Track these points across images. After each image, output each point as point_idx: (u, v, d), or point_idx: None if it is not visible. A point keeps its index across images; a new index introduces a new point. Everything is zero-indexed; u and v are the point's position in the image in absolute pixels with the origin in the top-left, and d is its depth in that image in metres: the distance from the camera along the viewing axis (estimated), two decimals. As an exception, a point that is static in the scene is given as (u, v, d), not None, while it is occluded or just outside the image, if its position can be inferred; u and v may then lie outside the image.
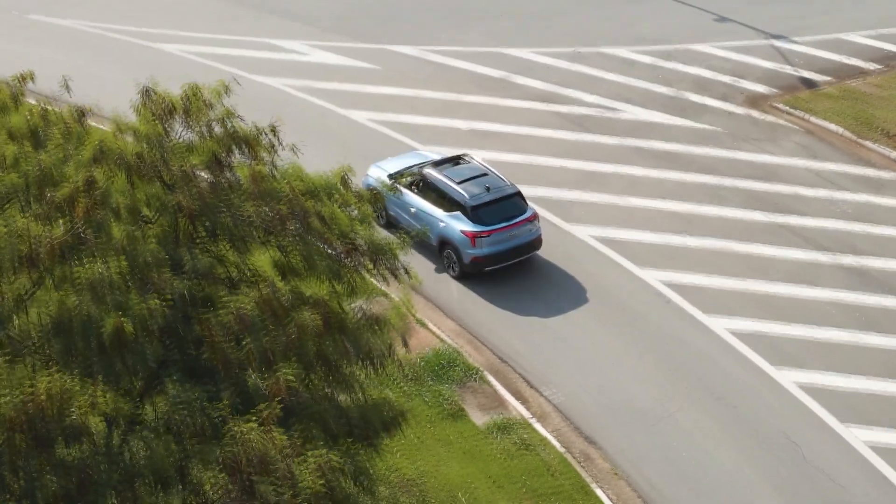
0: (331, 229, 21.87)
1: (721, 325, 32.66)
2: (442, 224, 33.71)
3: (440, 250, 33.99)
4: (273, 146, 22.55)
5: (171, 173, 21.17)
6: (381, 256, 22.57)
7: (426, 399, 30.58)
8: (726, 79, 44.13)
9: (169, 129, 21.96)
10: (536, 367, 31.74)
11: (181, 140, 21.83)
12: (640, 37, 46.76)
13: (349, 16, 48.51)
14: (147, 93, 22.39)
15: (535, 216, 33.85)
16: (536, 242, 34.01)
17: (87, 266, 19.48)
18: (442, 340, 32.43)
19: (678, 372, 31.25)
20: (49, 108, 23.33)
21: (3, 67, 45.17)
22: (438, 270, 34.32)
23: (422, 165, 35.22)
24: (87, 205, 19.73)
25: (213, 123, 22.05)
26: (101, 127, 41.20)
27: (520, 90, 43.38)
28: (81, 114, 22.77)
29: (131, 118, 22.56)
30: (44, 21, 48.01)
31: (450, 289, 34.04)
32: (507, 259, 33.60)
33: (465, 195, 33.48)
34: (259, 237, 21.80)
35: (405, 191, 34.29)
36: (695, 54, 45.71)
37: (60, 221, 19.72)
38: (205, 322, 20.34)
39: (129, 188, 21.04)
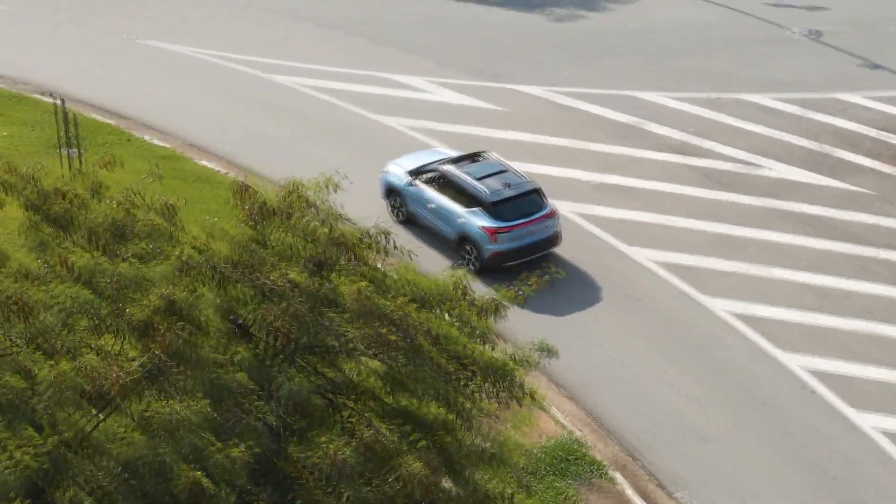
0: (443, 351, 18.83)
1: (874, 424, 29.08)
2: (461, 220, 33.33)
3: (459, 246, 33.48)
4: (383, 249, 19.56)
5: (264, 287, 18.23)
6: (500, 380, 19.49)
7: (545, 499, 27.41)
8: (876, 133, 40.26)
9: (264, 232, 19.03)
10: (668, 464, 28.42)
11: (278, 243, 18.90)
12: (781, 82, 43.00)
13: (473, 50, 45.35)
14: (242, 189, 19.42)
15: (553, 213, 33.48)
16: (555, 238, 33.60)
17: (162, 403, 16.63)
18: (563, 427, 29.27)
19: (835, 485, 27.71)
20: (136, 197, 20.29)
21: (109, 98, 43.03)
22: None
23: (440, 162, 34.77)
24: (166, 336, 16.81)
25: (315, 224, 19.09)
26: (206, 164, 38.96)
27: (651, 139, 39.96)
28: (172, 210, 19.74)
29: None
30: (155, 46, 45.46)
31: (572, 364, 30.78)
32: (526, 255, 33.09)
33: (485, 191, 33.12)
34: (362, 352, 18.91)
35: (424, 187, 34.12)
36: (841, 104, 41.83)
37: (134, 354, 16.83)
38: (296, 462, 17.45)
39: (216, 303, 18.19)
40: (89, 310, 17.38)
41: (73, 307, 17.18)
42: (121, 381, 16.25)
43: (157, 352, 16.72)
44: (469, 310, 19.71)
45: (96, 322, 17.54)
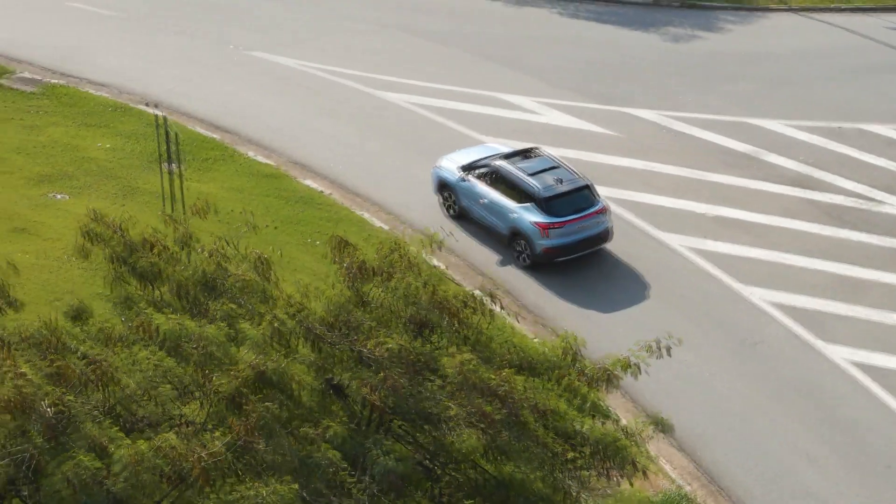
0: (549, 428, 17.28)
1: None
2: (514, 215, 33.19)
3: (511, 241, 33.41)
4: (489, 312, 18.05)
5: (361, 354, 16.82)
6: (610, 456, 17.91)
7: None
8: None
9: (362, 291, 17.60)
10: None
11: (377, 305, 17.45)
12: (908, 113, 40.91)
13: (586, 70, 43.65)
14: (341, 244, 18.01)
15: (605, 209, 33.28)
16: (606, 234, 33.41)
17: (248, 485, 15.25)
18: (673, 481, 27.58)
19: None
20: (228, 247, 18.95)
21: (213, 111, 41.88)
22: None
23: (493, 157, 34.61)
24: (254, 412, 15.43)
25: (416, 286, 17.62)
26: (310, 183, 37.70)
27: (769, 170, 38.01)
28: (266, 264, 18.35)
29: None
30: (262, 58, 44.32)
31: (682, 410, 29.02)
32: (578, 251, 33.05)
33: (538, 186, 32.97)
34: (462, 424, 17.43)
35: (476, 182, 34.14)
36: (971, 138, 39.67)
37: (218, 434, 15.45)
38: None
39: (310, 360, 16.80)
40: (173, 378, 16.08)
41: (155, 375, 15.87)
42: (203, 463, 14.90)
43: (243, 430, 15.35)
44: (579, 379, 18.13)
45: (180, 390, 16.24)
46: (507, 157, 34.41)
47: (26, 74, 43.15)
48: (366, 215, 35.83)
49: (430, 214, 35.50)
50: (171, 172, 33.95)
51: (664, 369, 29.97)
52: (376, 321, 17.18)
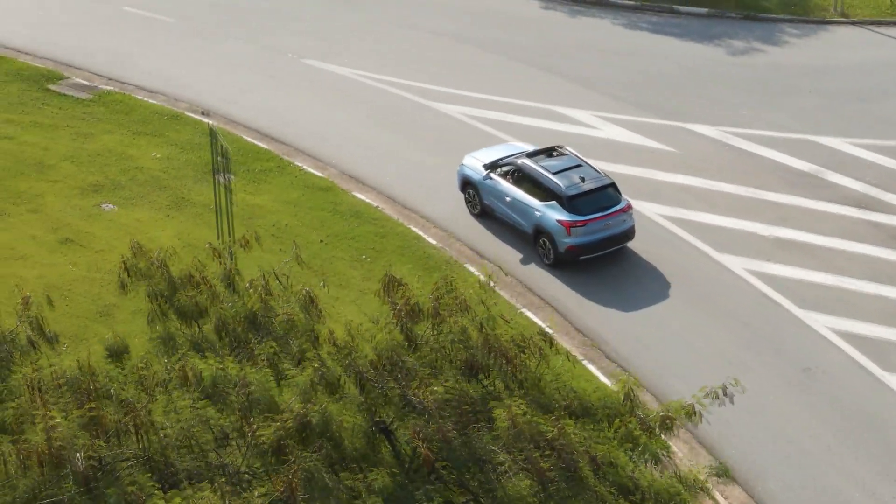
0: (605, 480, 16.43)
1: None
2: (538, 213, 33.22)
3: (535, 239, 33.46)
4: (542, 352, 17.21)
5: (410, 401, 16.02)
6: (668, 509, 17.03)
7: None
8: None
9: (413, 332, 16.80)
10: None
11: (428, 349, 16.65)
12: (977, 131, 39.66)
13: (646, 84, 42.66)
14: (390, 283, 17.21)
15: (628, 207, 33.26)
16: (630, 233, 33.40)
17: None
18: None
19: None
20: (274, 280, 18.19)
21: (267, 120, 41.10)
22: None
23: (517, 155, 34.65)
24: (298, 466, 14.67)
25: (470, 329, 16.79)
26: (362, 197, 36.96)
27: (832, 190, 36.89)
28: (311, 300, 17.58)
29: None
30: (317, 67, 43.64)
31: (737, 438, 28.05)
32: (602, 249, 33.03)
33: (562, 185, 33.03)
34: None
35: (500, 180, 34.20)
36: None
37: (258, 491, 14.70)
38: None
39: (357, 401, 16.02)
40: (214, 426, 15.33)
41: (195, 424, 15.14)
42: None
43: (285, 485, 14.59)
44: (639, 427, 17.26)
45: (220, 439, 15.49)
46: (531, 155, 34.38)
47: (79, 80, 42.67)
48: (417, 230, 35.06)
49: (481, 230, 34.77)
50: (224, 182, 33.12)
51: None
52: (428, 366, 16.38)
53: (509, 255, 33.96)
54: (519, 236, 34.17)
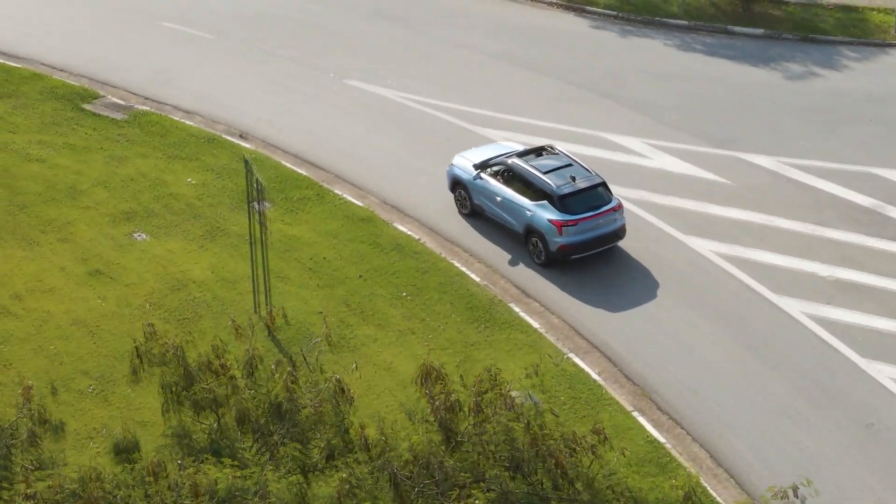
0: None
1: None
2: (529, 213, 32.99)
3: (526, 239, 33.24)
4: (595, 451, 15.48)
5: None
6: None
7: None
8: None
9: (452, 429, 15.10)
10: None
11: (469, 448, 14.94)
12: None
13: (699, 110, 40.72)
14: (427, 373, 15.51)
15: (619, 206, 33.08)
16: (621, 231, 33.23)
17: None
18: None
19: None
20: (301, 359, 16.53)
21: (307, 144, 39.39)
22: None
23: (507, 155, 34.39)
24: None
25: (514, 426, 15.08)
26: (404, 229, 35.30)
27: (894, 228, 34.94)
28: (341, 389, 15.90)
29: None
30: (359, 88, 41.98)
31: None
32: (593, 248, 32.86)
33: (553, 184, 32.81)
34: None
35: (491, 180, 33.95)
36: None
37: None
38: None
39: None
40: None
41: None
42: None
43: None
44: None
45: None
46: (522, 155, 34.11)
47: (115, 99, 41.21)
48: (460, 266, 33.37)
49: (528, 266, 33.11)
50: (259, 211, 31.26)
51: (777, 452, 27.35)
52: (469, 469, 14.68)
53: (500, 255, 33.51)
54: (509, 236, 33.76)
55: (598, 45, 45.17)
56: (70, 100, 41.02)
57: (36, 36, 45.34)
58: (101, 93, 41.49)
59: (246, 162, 30.09)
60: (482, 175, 34.29)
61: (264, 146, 38.73)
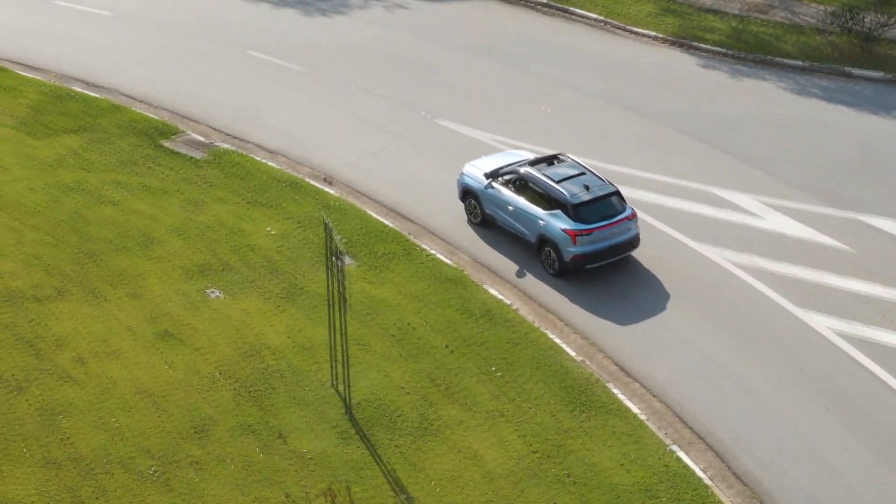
0: None
1: None
2: (542, 222, 32.44)
3: (539, 248, 32.65)
4: None
5: None
6: None
7: None
8: None
9: None
10: None
11: None
12: None
13: (816, 164, 37.31)
14: None
15: (633, 215, 32.48)
16: (635, 241, 32.60)
17: None
18: None
19: None
20: None
21: (396, 193, 36.18)
22: None
23: (518, 164, 33.82)
24: None
25: None
26: (495, 293, 32.26)
27: None
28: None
29: None
30: (452, 129, 39.25)
31: None
32: (607, 257, 32.22)
33: (566, 194, 32.18)
34: None
35: (503, 189, 33.33)
36: None
37: None
38: None
39: None
40: None
41: None
42: None
43: None
44: None
45: None
46: (534, 163, 33.42)
47: (195, 136, 38.84)
48: (555, 338, 30.48)
49: (628, 335, 30.18)
50: (339, 267, 28.38)
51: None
52: None
53: (511, 266, 32.32)
54: (522, 245, 33.13)
55: (706, 87, 42.00)
56: (149, 135, 38.71)
57: (118, 64, 43.12)
58: (182, 128, 39.15)
59: (326, 226, 27.42)
60: (494, 184, 33.50)
61: (350, 192, 36.15)
